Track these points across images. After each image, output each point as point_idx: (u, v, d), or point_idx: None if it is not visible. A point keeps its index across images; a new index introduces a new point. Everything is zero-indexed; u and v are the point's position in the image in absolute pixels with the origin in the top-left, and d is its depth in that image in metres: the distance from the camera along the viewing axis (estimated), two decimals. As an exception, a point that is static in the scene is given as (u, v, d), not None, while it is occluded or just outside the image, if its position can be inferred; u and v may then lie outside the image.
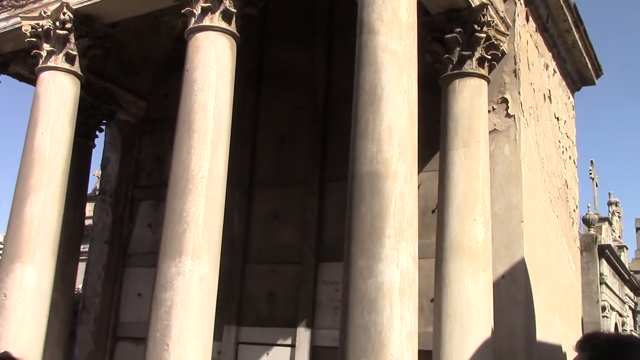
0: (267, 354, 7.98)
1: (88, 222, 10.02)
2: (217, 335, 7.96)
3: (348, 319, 4.37)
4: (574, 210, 9.66)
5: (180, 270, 5.14)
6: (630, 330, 16.88)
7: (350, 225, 4.57)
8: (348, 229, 4.59)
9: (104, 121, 9.39)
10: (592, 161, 16.91)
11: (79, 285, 10.57)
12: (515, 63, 7.11)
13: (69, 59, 6.89)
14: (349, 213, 4.63)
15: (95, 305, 9.14)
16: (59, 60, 6.83)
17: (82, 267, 9.96)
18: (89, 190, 12.87)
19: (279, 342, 7.93)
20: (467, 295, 5.75)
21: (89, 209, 12.12)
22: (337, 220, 7.11)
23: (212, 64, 5.67)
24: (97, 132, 9.42)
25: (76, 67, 6.97)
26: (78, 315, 9.30)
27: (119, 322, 9.11)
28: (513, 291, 6.67)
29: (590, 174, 16.35)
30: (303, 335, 7.73)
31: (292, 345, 7.80)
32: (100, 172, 10.45)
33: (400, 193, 4.55)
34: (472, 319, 5.73)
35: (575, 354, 1.70)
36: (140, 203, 9.48)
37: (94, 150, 9.36)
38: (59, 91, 6.78)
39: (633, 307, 17.77)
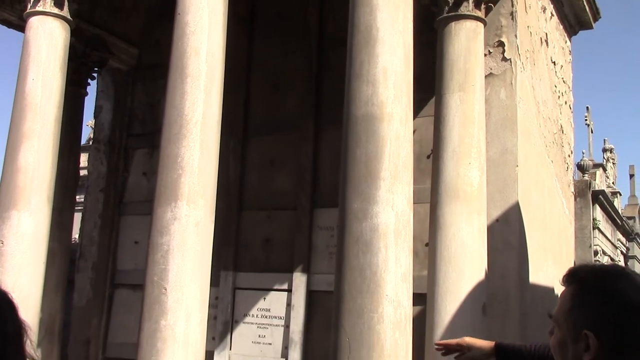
0: (264, 299, 8.08)
1: (83, 173, 10.01)
2: (214, 281, 8.04)
3: (343, 260, 4.41)
4: (569, 156, 9.68)
5: (176, 215, 5.15)
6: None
7: (346, 168, 4.56)
8: (343, 172, 4.59)
9: (96, 69, 9.27)
10: (587, 107, 16.84)
11: (75, 235, 10.64)
12: (512, 5, 7.00)
13: (58, 3, 6.75)
14: (344, 156, 4.62)
15: (92, 253, 9.19)
16: (47, 5, 6.69)
17: (78, 217, 10.00)
18: (83, 141, 12.83)
19: (275, 287, 8.02)
20: (462, 238, 5.80)
21: (84, 159, 12.09)
22: (333, 166, 7.11)
23: (204, 7, 5.57)
24: (89, 81, 9.32)
25: (65, 12, 6.83)
26: (75, 264, 9.37)
27: (117, 269, 9.18)
28: (507, 235, 6.74)
29: (586, 120, 16.30)
30: (299, 280, 7.82)
31: (289, 290, 7.90)
32: (93, 122, 10.38)
33: (396, 135, 4.54)
34: (467, 261, 5.79)
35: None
36: (135, 151, 9.44)
37: (86, 100, 9.28)
38: (48, 36, 6.66)
39: (625, 251, 17.98)
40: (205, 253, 5.27)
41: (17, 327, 1.57)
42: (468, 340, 2.45)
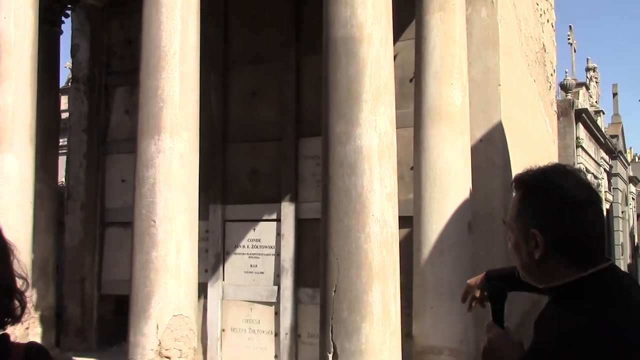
0: (254, 229, 8.18)
1: (65, 116, 9.90)
2: (204, 215, 8.13)
3: (329, 183, 4.46)
4: (552, 75, 9.68)
5: (160, 147, 5.15)
6: (605, 192, 17.44)
7: (327, 92, 4.55)
8: (325, 96, 4.58)
9: (69, 6, 9.03)
10: (570, 26, 16.73)
11: (62, 179, 10.61)
12: None
13: (24, -64, 6.51)
14: (325, 79, 4.60)
15: (80, 193, 9.20)
16: (12, -62, 6.45)
17: (63, 161, 9.96)
18: (63, 83, 12.62)
19: (264, 218, 8.11)
20: (446, 159, 5.85)
21: (65, 103, 11.94)
22: (316, 95, 7.06)
23: None
24: (64, 19, 9.10)
25: (32, -54, 6.60)
26: (64, 205, 9.39)
27: (106, 208, 9.22)
28: (491, 154, 6.81)
29: (569, 39, 16.20)
30: (287, 209, 7.90)
31: (278, 220, 7.99)
32: (71, 64, 10.18)
33: (376, 57, 4.51)
34: (451, 182, 5.87)
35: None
36: (116, 89, 9.33)
37: (63, 40, 9.08)
38: (16, -28, 6.45)
39: (608, 169, 18.24)
40: (191, 184, 5.29)
41: (2, 246, 1.60)
42: (470, 282, 2.32)
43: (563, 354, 1.48)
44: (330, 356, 4.38)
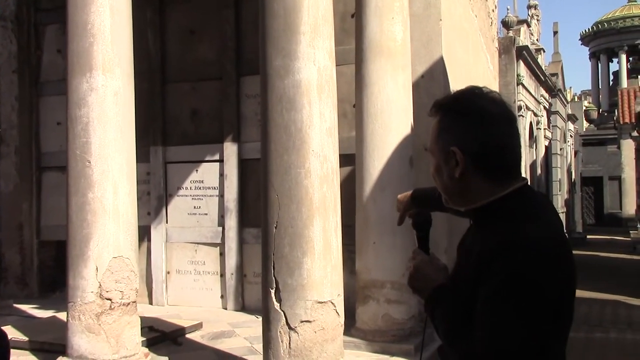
0: (197, 170, 8.07)
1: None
2: (144, 157, 7.97)
3: (268, 119, 4.38)
4: (493, 11, 9.69)
5: (92, 85, 4.94)
6: (544, 129, 17.85)
7: (264, 24, 4.42)
8: (262, 28, 4.45)
9: (-9, -63, 8.49)
10: (512, -36, 16.73)
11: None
12: None
13: None
14: (261, 11, 4.45)
15: (13, 137, 8.86)
16: None
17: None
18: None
19: (207, 159, 7.99)
20: (387, 94, 5.83)
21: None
22: (256, 32, 6.87)
23: None
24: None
25: None
26: (-3, 150, 9.05)
27: (42, 152, 8.91)
28: (432, 90, 6.81)
29: (511, -24, 16.25)
30: (230, 149, 7.79)
31: (221, 161, 7.89)
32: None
33: (314, -13, 4.38)
34: (393, 117, 5.86)
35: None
36: (46, 27, 8.89)
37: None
38: None
39: (548, 107, 18.62)
40: (127, 123, 5.12)
41: None
42: (399, 197, 2.42)
43: (484, 270, 1.53)
44: (272, 292, 4.39)
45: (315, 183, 4.31)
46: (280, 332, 4.37)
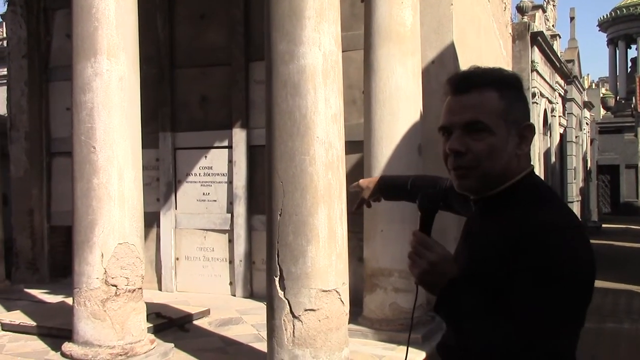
0: (205, 157, 8.03)
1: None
2: (153, 143, 7.96)
3: (272, 105, 4.31)
4: (507, -5, 9.53)
5: (96, 70, 4.90)
6: (559, 116, 17.62)
7: (269, 8, 4.35)
8: (267, 13, 4.37)
9: None
10: (528, -52, 16.42)
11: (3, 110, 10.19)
12: None
13: None
14: (266, -6, 4.38)
15: (23, 122, 8.87)
16: None
17: (3, 92, 9.55)
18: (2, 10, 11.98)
19: (215, 145, 7.95)
20: (396, 80, 5.74)
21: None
22: (264, 16, 6.83)
23: None
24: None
25: None
26: (7, 135, 9.07)
27: (51, 138, 8.92)
28: (442, 76, 6.69)
29: (526, -40, 15.94)
30: (239, 136, 7.75)
31: (229, 147, 7.84)
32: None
33: (320, -30, 4.29)
34: (401, 103, 5.77)
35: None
36: (55, 12, 8.87)
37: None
38: None
39: (563, 94, 18.38)
40: (132, 109, 5.08)
41: None
42: (361, 182, 2.46)
43: (514, 257, 1.47)
44: (276, 280, 4.34)
45: (320, 170, 4.24)
46: (284, 320, 4.33)
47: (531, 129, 1.62)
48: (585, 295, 1.46)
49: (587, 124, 24.18)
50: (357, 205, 2.49)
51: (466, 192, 1.70)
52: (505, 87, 1.61)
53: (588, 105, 24.06)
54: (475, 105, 1.59)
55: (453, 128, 1.62)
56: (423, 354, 5.13)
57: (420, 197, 1.76)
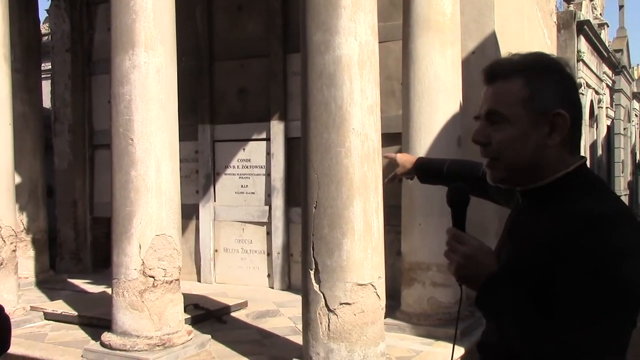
0: (244, 149, 8.04)
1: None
2: (192, 135, 8.01)
3: (308, 96, 4.26)
4: (552, -17, 9.27)
5: (134, 63, 4.93)
6: (607, 108, 17.14)
7: (305, -2, 4.29)
8: (302, 2, 4.31)
9: None
10: None
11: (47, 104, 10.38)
12: None
13: None
14: (301, -16, 4.32)
15: (67, 115, 9.02)
16: None
17: (47, 85, 9.72)
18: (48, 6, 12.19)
19: (254, 137, 7.95)
20: (435, 70, 5.62)
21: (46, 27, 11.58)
22: (302, 7, 6.78)
23: None
24: None
25: None
26: (52, 128, 9.24)
27: (94, 130, 9.07)
28: (483, 67, 6.54)
29: (573, -53, 15.51)
30: (277, 128, 7.73)
31: (267, 139, 7.84)
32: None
33: (356, -41, 4.21)
34: (440, 95, 5.66)
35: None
36: (98, 6, 8.99)
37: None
38: None
39: (611, 85, 17.86)
40: (170, 101, 5.10)
41: None
42: (399, 157, 2.45)
43: (564, 251, 1.38)
44: (311, 273, 4.31)
45: (356, 162, 4.18)
46: (319, 313, 4.29)
47: (562, 117, 1.48)
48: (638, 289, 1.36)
49: (636, 115, 23.47)
50: (389, 179, 2.49)
51: (498, 184, 1.62)
52: (535, 72, 1.52)
53: (637, 96, 23.34)
54: (495, 94, 1.55)
55: (480, 119, 1.60)
56: (462, 350, 5.04)
57: (449, 191, 1.68)
